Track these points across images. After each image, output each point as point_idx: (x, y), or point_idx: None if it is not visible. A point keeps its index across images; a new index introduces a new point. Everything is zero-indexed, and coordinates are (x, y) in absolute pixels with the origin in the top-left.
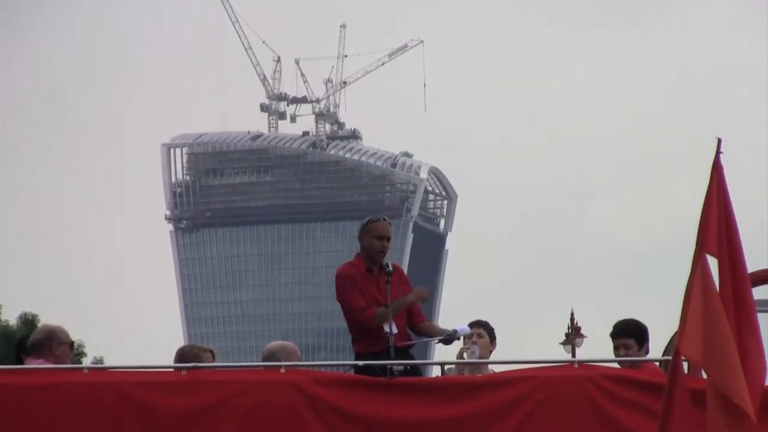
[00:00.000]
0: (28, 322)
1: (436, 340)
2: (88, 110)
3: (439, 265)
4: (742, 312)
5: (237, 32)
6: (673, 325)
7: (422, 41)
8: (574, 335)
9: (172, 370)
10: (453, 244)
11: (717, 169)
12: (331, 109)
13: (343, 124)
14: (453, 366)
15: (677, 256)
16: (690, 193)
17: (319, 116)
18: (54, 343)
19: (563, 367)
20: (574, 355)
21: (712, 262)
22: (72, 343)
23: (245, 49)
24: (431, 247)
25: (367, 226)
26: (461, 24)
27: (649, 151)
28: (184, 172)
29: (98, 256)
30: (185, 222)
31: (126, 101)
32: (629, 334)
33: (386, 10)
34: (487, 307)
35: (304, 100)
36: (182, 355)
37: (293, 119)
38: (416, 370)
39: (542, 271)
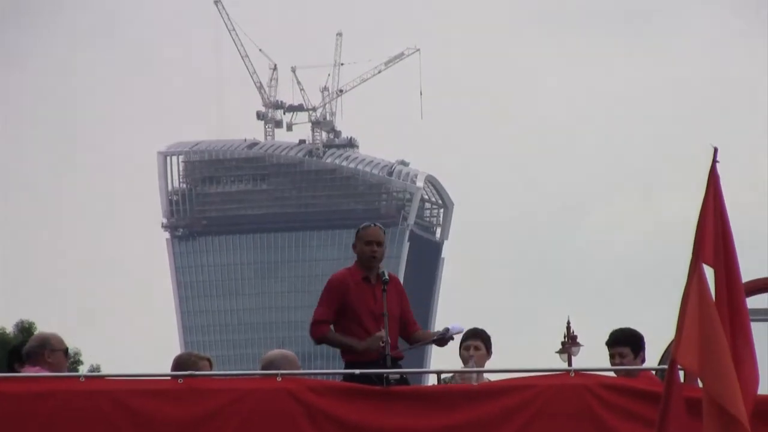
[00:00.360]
0: (25, 329)
1: (430, 342)
2: (85, 118)
3: (435, 274)
4: (737, 321)
5: (233, 40)
6: (669, 334)
7: (418, 49)
8: (570, 344)
9: (168, 378)
10: (449, 252)
11: (713, 178)
12: (328, 118)
13: (340, 132)
14: (449, 375)
15: (674, 265)
16: (687, 202)
17: (316, 124)
18: (46, 351)
19: (559, 375)
20: (570, 364)
21: (709, 272)
22: (66, 350)
23: (242, 57)
24: (427, 256)
25: (359, 233)
26: (457, 32)
27: (646, 160)
28: (181, 180)
29: (95, 264)
30: (182, 230)
31: (122, 109)
32: (624, 342)
33: (382, 19)
34: (483, 315)
35: (300, 108)
36: (179, 364)
37: (289, 127)
38: (408, 382)
39: (538, 279)
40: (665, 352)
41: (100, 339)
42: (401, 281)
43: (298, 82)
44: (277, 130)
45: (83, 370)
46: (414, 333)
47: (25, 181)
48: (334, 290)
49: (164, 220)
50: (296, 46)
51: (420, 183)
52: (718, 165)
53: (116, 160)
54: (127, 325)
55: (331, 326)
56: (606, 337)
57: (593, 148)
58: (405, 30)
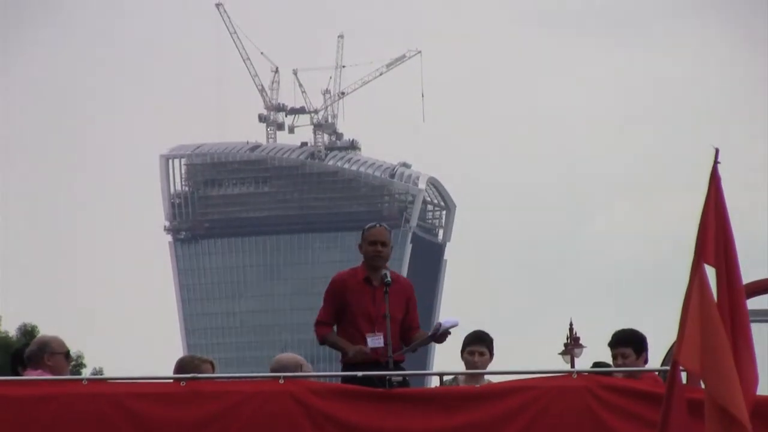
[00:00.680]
0: (28, 333)
1: (425, 341)
2: (86, 121)
3: (437, 275)
4: (737, 322)
5: (235, 43)
6: (673, 335)
7: (420, 52)
8: (573, 345)
9: (171, 381)
10: (451, 254)
11: (714, 180)
12: (330, 120)
13: (342, 134)
14: (451, 377)
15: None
16: (689, 203)
17: (318, 127)
18: (46, 354)
19: (562, 377)
20: (573, 366)
21: (710, 272)
22: (67, 353)
23: (243, 60)
24: (430, 258)
25: (364, 234)
26: (459, 34)
27: (649, 162)
28: (183, 183)
29: (97, 267)
30: (184, 233)
31: (124, 112)
32: (627, 343)
33: (384, 21)
34: (485, 317)
35: (302, 110)
36: (182, 366)
37: (291, 130)
38: (409, 384)
39: (541, 281)
40: (668, 353)
41: (103, 342)
42: (406, 283)
43: (300, 85)
44: (279, 133)
45: (86, 373)
46: (414, 335)
47: (27, 184)
48: (333, 291)
49: (166, 223)
50: (298, 48)
51: (422, 185)
52: (719, 166)
53: (118, 163)
54: (130, 328)
55: (334, 327)
56: (609, 338)
57: (596, 149)
58: (406, 32)
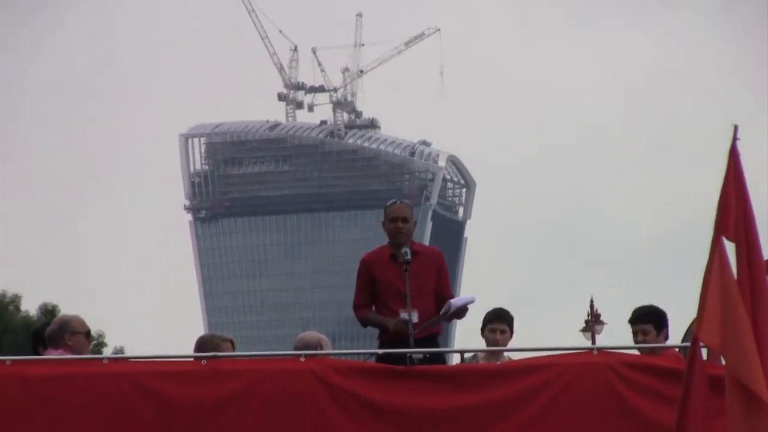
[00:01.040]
0: (48, 312)
1: (436, 321)
2: (107, 101)
3: (458, 253)
4: (757, 297)
5: (253, 21)
6: (694, 311)
7: (439, 29)
8: (593, 322)
9: (191, 360)
10: (472, 231)
11: (734, 156)
12: (349, 98)
13: (361, 112)
14: (472, 354)
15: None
16: (710, 180)
17: (337, 105)
18: (67, 334)
19: (583, 354)
20: (593, 342)
21: (730, 248)
22: (88, 332)
23: (262, 39)
24: (450, 235)
25: (385, 211)
26: (477, 12)
27: (670, 138)
28: (203, 162)
29: (118, 247)
30: (204, 212)
31: (143, 92)
32: (647, 319)
33: None
34: (506, 294)
35: (321, 89)
36: (201, 345)
37: (311, 108)
38: (436, 360)
39: (561, 258)
40: (689, 329)
41: (124, 321)
42: (438, 255)
43: (319, 63)
44: (298, 112)
45: (107, 352)
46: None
47: (47, 165)
48: (361, 272)
49: (187, 202)
50: (316, 27)
51: (442, 162)
52: (738, 142)
53: (138, 143)
54: (151, 307)
55: (372, 308)
56: (629, 315)
57: (618, 125)
58: (425, 10)
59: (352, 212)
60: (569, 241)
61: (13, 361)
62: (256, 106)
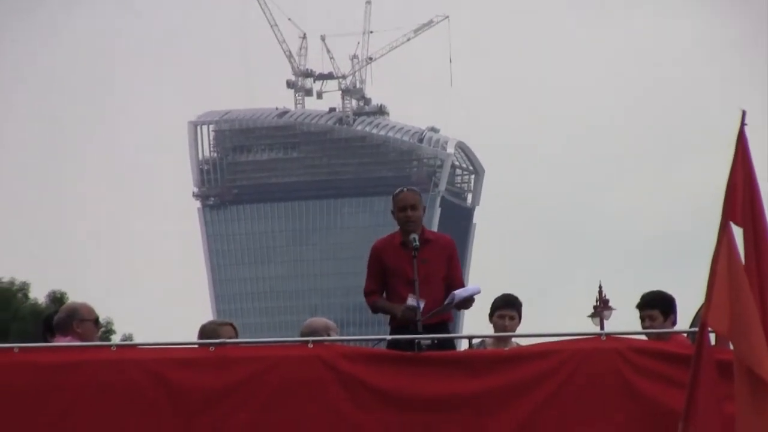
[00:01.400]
0: (57, 300)
1: (440, 311)
2: (116, 89)
3: (466, 239)
4: (765, 283)
5: (262, 9)
6: (703, 297)
7: (447, 16)
8: (602, 308)
9: (199, 347)
10: (480, 218)
11: (741, 141)
12: (358, 85)
13: (370, 99)
14: (480, 340)
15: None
16: (717, 165)
17: (346, 92)
18: (75, 321)
19: (591, 339)
20: (602, 328)
21: (737, 233)
22: (96, 320)
23: (270, 26)
24: (459, 222)
25: (393, 201)
26: None
27: (677, 125)
28: (211, 150)
29: (127, 234)
30: (213, 199)
31: (152, 79)
32: (653, 305)
33: None
34: (514, 280)
35: (330, 76)
36: (204, 334)
37: (320, 95)
38: (446, 346)
39: (570, 243)
40: (697, 314)
41: (133, 308)
42: (448, 241)
43: (328, 51)
44: (307, 99)
45: (115, 339)
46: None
47: (55, 152)
48: (371, 259)
49: (195, 189)
50: (325, 14)
51: (450, 149)
52: (746, 128)
53: (146, 130)
54: (159, 294)
55: (383, 294)
56: (638, 301)
57: (625, 112)
58: None
59: (360, 199)
60: (578, 227)
61: (21, 348)
62: (265, 94)
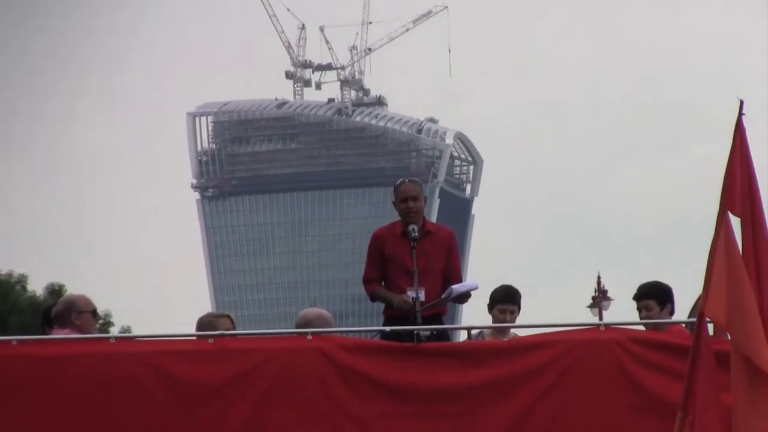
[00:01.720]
0: (55, 292)
1: (437, 304)
2: (114, 80)
3: (465, 230)
4: (763, 273)
5: (261, 0)
6: (701, 287)
7: (446, 7)
8: (600, 298)
9: (198, 338)
10: (479, 209)
11: (739, 131)
12: (356, 76)
13: (369, 90)
14: (478, 331)
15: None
16: (715, 155)
17: (345, 83)
18: (73, 313)
19: (589, 330)
20: (601, 319)
21: (735, 223)
22: (94, 311)
23: (269, 17)
24: (457, 213)
25: (394, 192)
26: None
27: (675, 113)
28: (210, 141)
29: (125, 225)
30: (211, 190)
31: (151, 71)
32: (649, 295)
33: None
34: (513, 271)
35: (329, 67)
36: (201, 327)
37: (318, 86)
38: (442, 338)
39: (568, 234)
40: (695, 304)
41: (131, 300)
42: (448, 233)
43: (327, 41)
44: (305, 89)
45: (114, 332)
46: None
47: (55, 143)
48: (372, 246)
49: (194, 181)
50: (324, 5)
51: (449, 140)
52: (744, 117)
53: (146, 121)
54: (158, 285)
55: (382, 282)
56: (635, 291)
57: (622, 101)
58: None
59: (359, 190)
60: (576, 218)
61: (19, 341)
62: (264, 85)
